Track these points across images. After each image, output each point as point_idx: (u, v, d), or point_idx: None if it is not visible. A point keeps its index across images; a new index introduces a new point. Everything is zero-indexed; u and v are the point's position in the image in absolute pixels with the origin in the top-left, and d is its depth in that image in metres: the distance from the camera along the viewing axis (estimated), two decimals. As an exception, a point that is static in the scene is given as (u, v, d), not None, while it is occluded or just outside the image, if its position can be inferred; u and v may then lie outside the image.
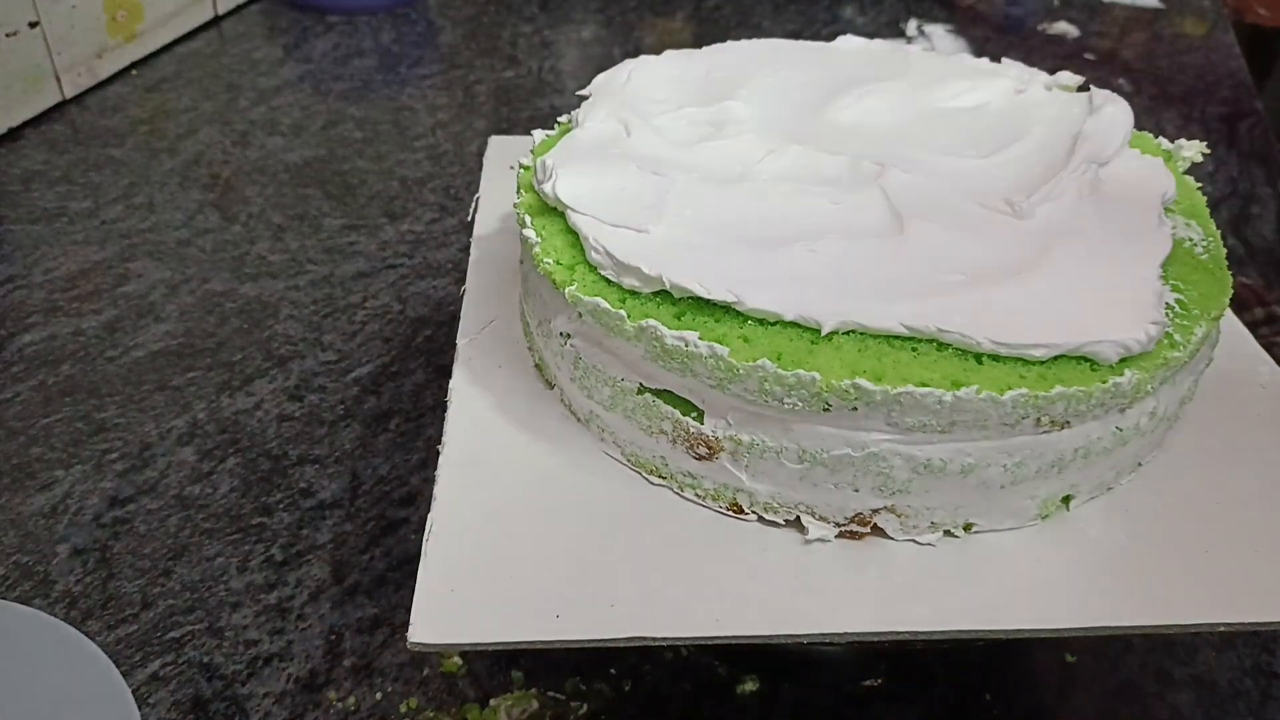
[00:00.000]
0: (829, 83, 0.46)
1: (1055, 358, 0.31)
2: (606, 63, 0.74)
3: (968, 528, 0.34)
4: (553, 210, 0.37)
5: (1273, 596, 0.32)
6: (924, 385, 0.30)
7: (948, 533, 0.34)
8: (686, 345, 0.31)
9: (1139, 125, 0.44)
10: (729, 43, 0.50)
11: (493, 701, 0.42)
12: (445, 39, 1.01)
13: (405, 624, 0.30)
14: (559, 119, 0.44)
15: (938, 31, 1.05)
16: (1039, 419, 0.31)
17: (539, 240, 0.36)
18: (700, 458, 0.34)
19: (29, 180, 0.74)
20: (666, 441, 0.34)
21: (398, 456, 0.53)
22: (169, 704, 0.41)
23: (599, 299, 0.33)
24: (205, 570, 0.46)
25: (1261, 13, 1.23)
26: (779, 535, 0.34)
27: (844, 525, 0.34)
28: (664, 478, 0.35)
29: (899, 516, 0.33)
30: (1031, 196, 0.37)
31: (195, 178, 0.76)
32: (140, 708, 0.40)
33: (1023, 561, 0.33)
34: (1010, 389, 0.30)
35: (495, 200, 0.49)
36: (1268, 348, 0.42)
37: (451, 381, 0.39)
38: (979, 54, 0.51)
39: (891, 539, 0.34)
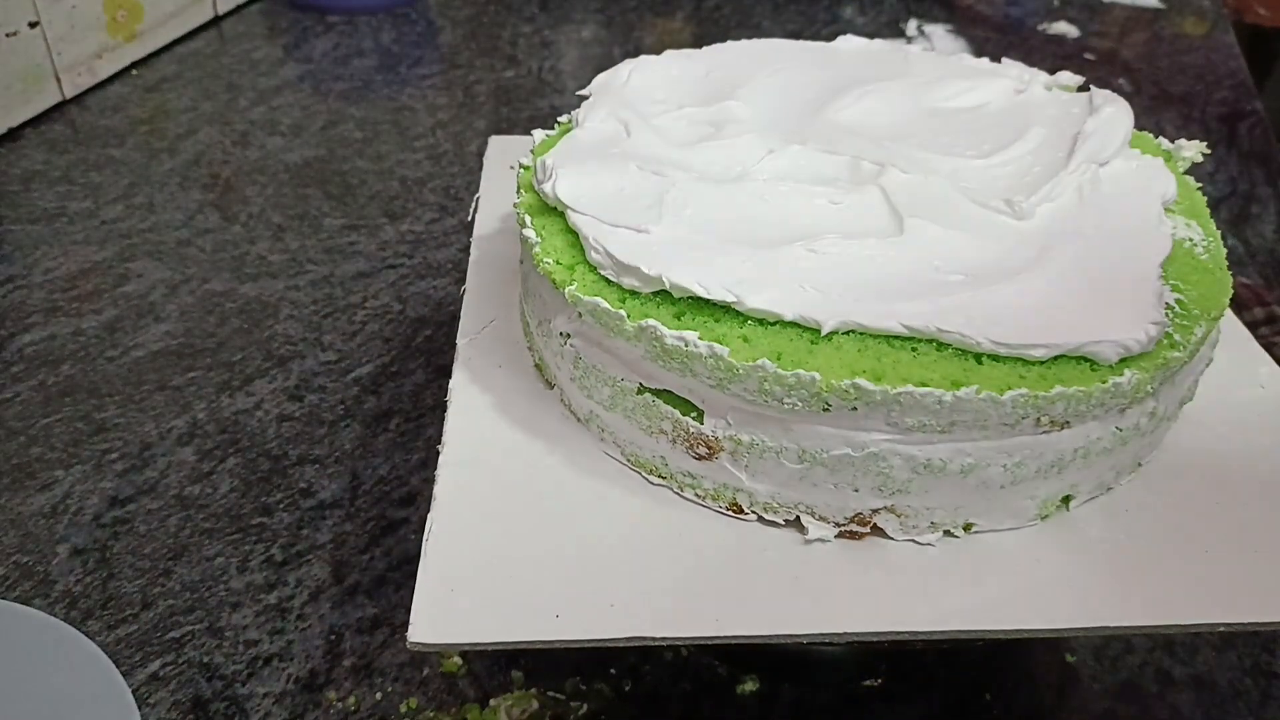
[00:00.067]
0: (829, 83, 0.46)
1: (1055, 358, 0.31)
2: (606, 63, 0.74)
3: (967, 528, 0.34)
4: (553, 210, 0.37)
5: (1273, 596, 0.32)
6: (924, 385, 0.30)
7: (947, 533, 0.34)
8: (686, 345, 0.31)
9: (1139, 125, 0.44)
10: (729, 43, 0.50)
11: (493, 701, 0.42)
12: (445, 39, 1.01)
13: (405, 624, 0.30)
14: (559, 119, 0.44)
15: (938, 31, 1.05)
16: (1039, 419, 0.31)
17: (539, 240, 0.36)
18: (700, 458, 0.34)
19: (29, 180, 0.74)
20: (666, 441, 0.34)
21: (398, 456, 0.53)
22: (169, 704, 0.41)
23: (599, 299, 0.33)
24: (205, 570, 0.46)
25: (1261, 13, 1.23)
26: (779, 535, 0.34)
27: (844, 525, 0.34)
28: (664, 478, 0.35)
29: (899, 516, 0.33)
30: (1031, 196, 0.37)
31: (195, 178, 0.76)
32: (140, 708, 0.40)
33: (1023, 561, 0.33)
34: (1010, 389, 0.30)
35: (495, 200, 0.49)
36: (1268, 348, 0.42)
37: (451, 381, 0.39)
38: (979, 54, 0.51)
39: (891, 539, 0.34)
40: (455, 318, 0.43)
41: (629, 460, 0.36)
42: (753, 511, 0.34)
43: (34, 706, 0.38)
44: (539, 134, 0.43)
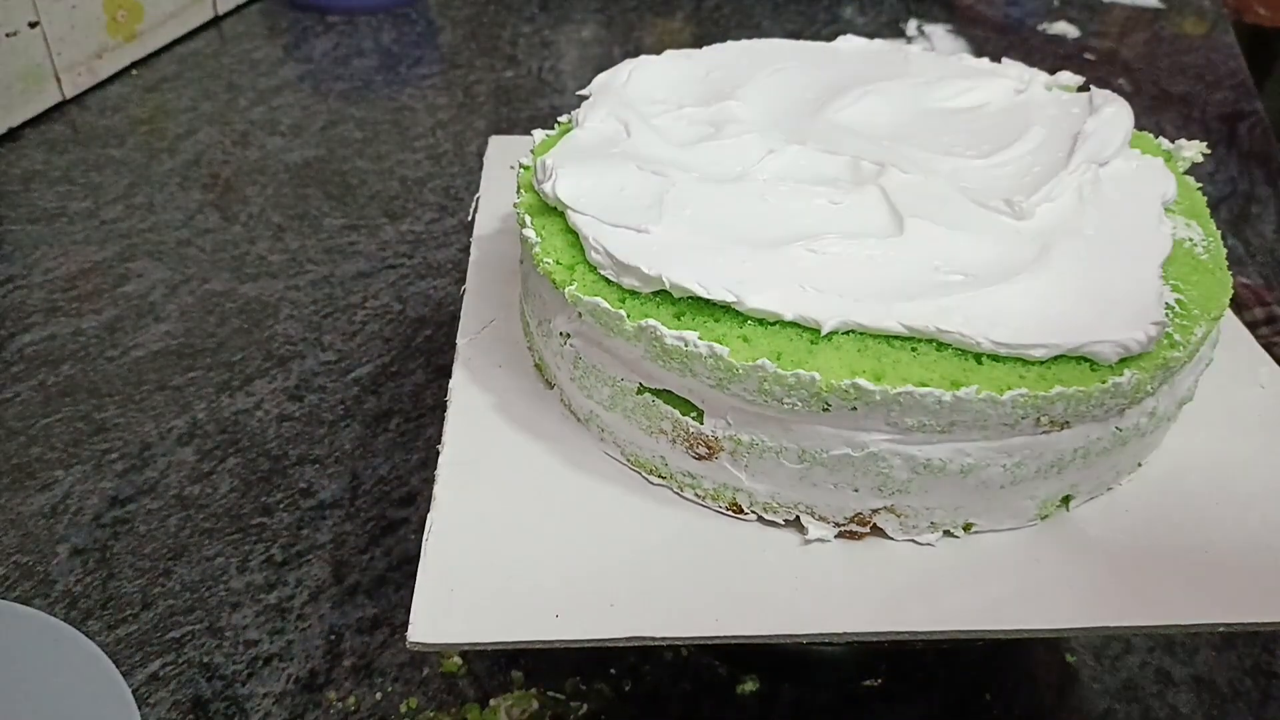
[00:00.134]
0: (829, 83, 0.46)
1: (1055, 358, 0.31)
2: (606, 63, 0.74)
3: (967, 528, 0.34)
4: (553, 210, 0.37)
5: (1273, 596, 0.32)
6: (923, 385, 0.30)
7: (947, 533, 0.34)
8: (686, 345, 0.31)
9: (1139, 125, 0.44)
10: (729, 43, 0.50)
11: (493, 701, 0.42)
12: (445, 39, 1.01)
13: (405, 624, 0.30)
14: (559, 119, 0.44)
15: (938, 31, 1.05)
16: (1038, 419, 0.31)
17: (539, 240, 0.36)
18: (700, 457, 0.34)
19: (29, 180, 0.74)
20: (666, 441, 0.34)
21: (398, 456, 0.53)
22: (169, 704, 0.41)
23: (599, 299, 0.33)
24: (205, 570, 0.46)
25: (1261, 13, 1.23)
26: (778, 535, 0.34)
27: (843, 525, 0.34)
28: (664, 478, 0.35)
29: (898, 516, 0.33)
30: (1031, 196, 0.37)
31: (195, 178, 0.76)
32: (140, 708, 0.40)
33: (1023, 561, 0.33)
34: (1010, 389, 0.30)
35: (495, 200, 0.49)
36: (1268, 348, 0.42)
37: (451, 381, 0.39)
38: (979, 54, 0.51)
39: (891, 539, 0.34)
40: (455, 318, 0.43)
41: (629, 460, 0.36)
42: (753, 511, 0.34)
43: (34, 706, 0.38)
44: (539, 134, 0.43)
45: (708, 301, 0.32)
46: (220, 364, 0.58)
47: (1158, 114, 0.90)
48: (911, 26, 1.06)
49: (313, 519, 0.49)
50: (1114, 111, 0.43)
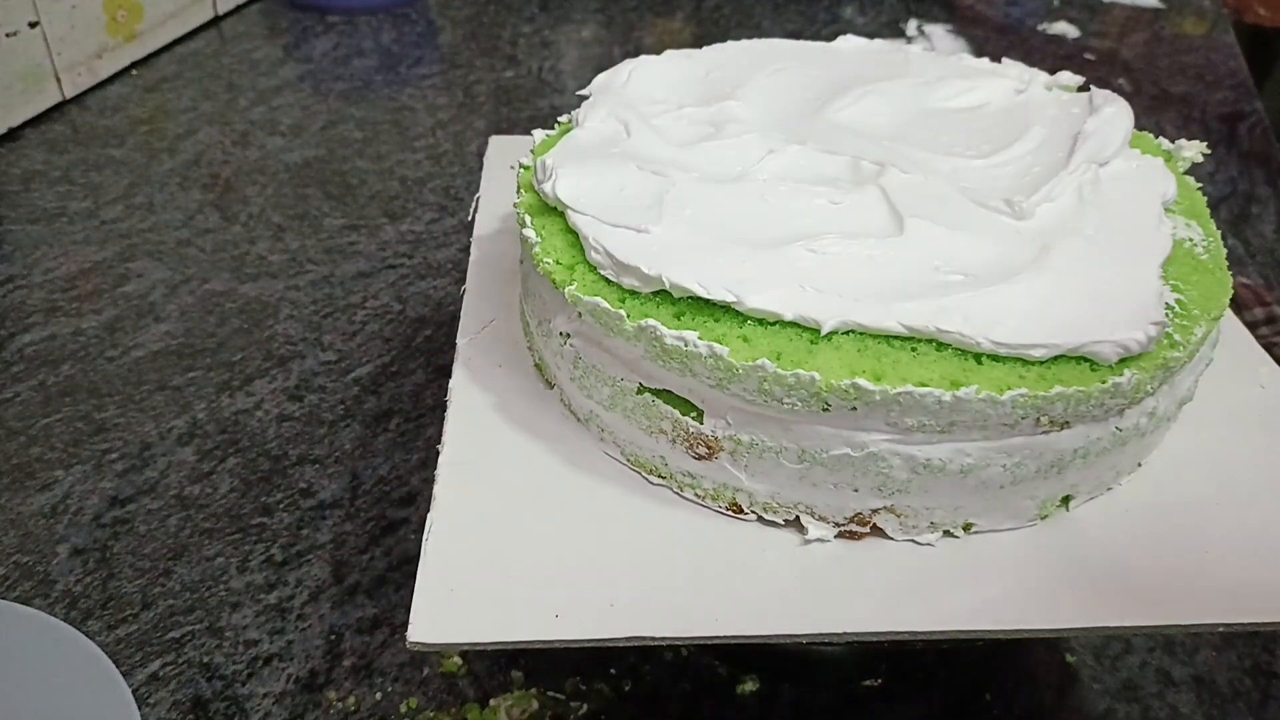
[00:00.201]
0: (829, 83, 0.46)
1: (1055, 358, 0.31)
2: (606, 63, 0.74)
3: (967, 528, 0.34)
4: (553, 210, 0.37)
5: (1273, 596, 0.32)
6: (923, 385, 0.30)
7: (947, 533, 0.34)
8: (686, 345, 0.31)
9: (1139, 125, 0.44)
10: (729, 43, 0.50)
11: (493, 701, 0.42)
12: (445, 39, 1.01)
13: (405, 624, 0.30)
14: (559, 119, 0.44)
15: (938, 31, 1.05)
16: (1038, 419, 0.31)
17: (539, 240, 0.36)
18: (700, 457, 0.34)
19: (29, 180, 0.74)
20: (666, 441, 0.34)
21: (398, 456, 0.53)
22: (169, 704, 0.41)
23: (598, 299, 0.33)
24: (205, 570, 0.46)
25: (1261, 13, 1.23)
26: (778, 535, 0.34)
27: (843, 525, 0.34)
28: (663, 478, 0.35)
29: (898, 516, 0.33)
30: (1031, 196, 0.37)
31: (195, 178, 0.76)
32: (140, 708, 0.40)
33: (1023, 561, 0.33)
34: (1009, 389, 0.30)
35: (495, 200, 0.49)
36: (1268, 348, 0.42)
37: (451, 381, 0.39)
38: (979, 54, 0.51)
39: (891, 539, 0.34)
40: (455, 318, 0.43)
41: (629, 460, 0.36)
42: (752, 511, 0.34)
43: (34, 706, 0.38)
44: (539, 134, 0.43)
45: (708, 301, 0.32)
46: (220, 364, 0.58)
47: (1158, 114, 0.90)
48: (911, 26, 1.06)
49: (313, 519, 0.49)
50: (1114, 111, 0.43)
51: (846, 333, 0.32)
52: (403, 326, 0.62)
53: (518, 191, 0.40)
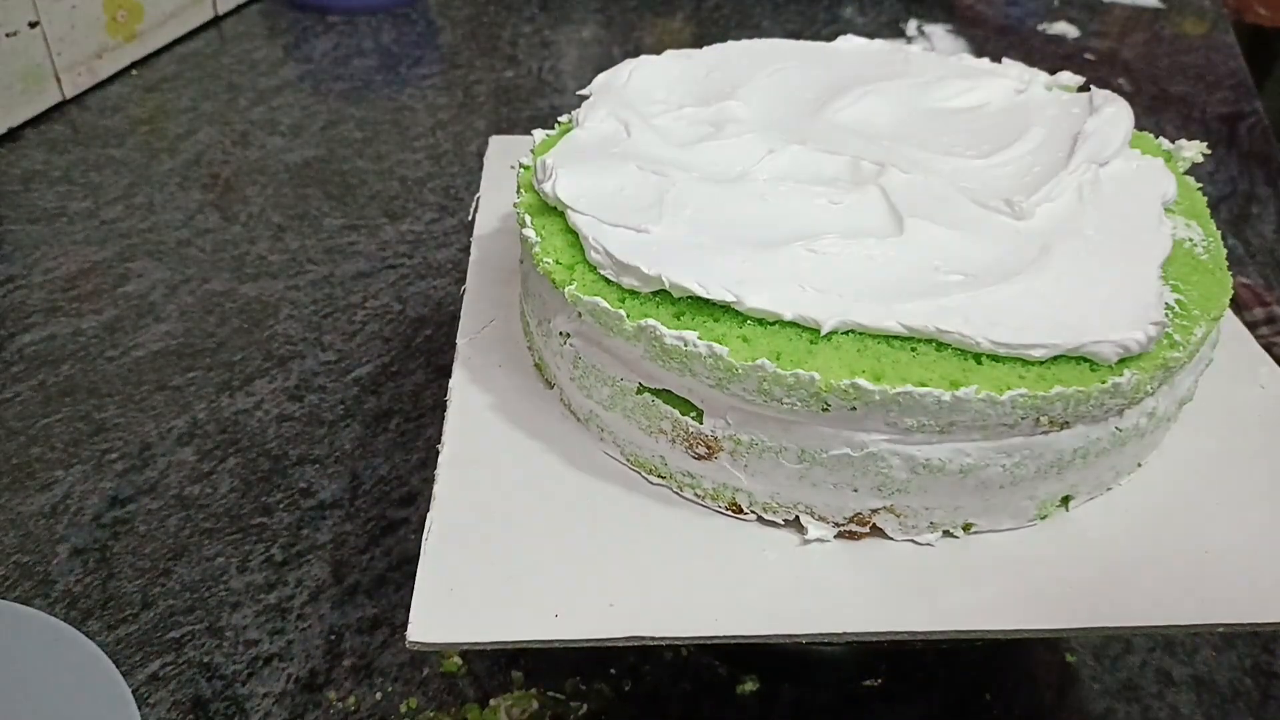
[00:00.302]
0: (829, 83, 0.46)
1: (1054, 358, 0.31)
2: (606, 63, 0.74)
3: (967, 528, 0.34)
4: (553, 210, 0.37)
5: (1273, 596, 0.32)
6: (923, 385, 0.30)
7: (947, 533, 0.34)
8: (685, 345, 0.31)
9: (1139, 125, 0.44)
10: (729, 43, 0.50)
11: (493, 701, 0.42)
12: (445, 39, 1.01)
13: (405, 624, 0.30)
14: (559, 119, 0.44)
15: (938, 31, 1.05)
16: (1038, 419, 0.31)
17: (539, 240, 0.36)
18: (699, 457, 0.34)
19: (29, 180, 0.74)
20: (666, 441, 0.34)
21: (398, 456, 0.53)
22: (169, 704, 0.41)
23: (598, 298, 0.33)
24: (205, 570, 0.46)
25: (1261, 13, 1.23)
26: (778, 535, 0.34)
27: (843, 525, 0.34)
28: (663, 477, 0.35)
29: (898, 516, 0.33)
30: (1031, 196, 0.37)
31: (195, 178, 0.76)
32: (140, 708, 0.40)
33: (1022, 561, 0.33)
34: (1009, 389, 0.30)
35: (495, 200, 0.49)
36: (1268, 348, 0.42)
37: (451, 381, 0.39)
38: (979, 54, 0.51)
39: (890, 539, 0.34)
40: (455, 318, 0.43)
41: (628, 460, 0.36)
42: (752, 511, 0.34)
43: (34, 706, 0.38)
44: (539, 134, 0.43)
45: (707, 301, 0.32)
46: (220, 364, 0.58)
47: (1158, 114, 0.90)
48: (911, 26, 1.06)
49: (313, 519, 0.49)
50: (1114, 111, 0.43)
51: (846, 333, 0.32)
52: (403, 326, 0.62)
53: (518, 191, 0.40)
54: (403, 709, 0.41)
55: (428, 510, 0.34)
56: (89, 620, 0.44)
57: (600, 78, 0.45)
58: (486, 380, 0.39)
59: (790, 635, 0.31)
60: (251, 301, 0.63)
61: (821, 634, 0.31)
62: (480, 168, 0.52)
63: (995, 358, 0.31)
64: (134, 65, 0.90)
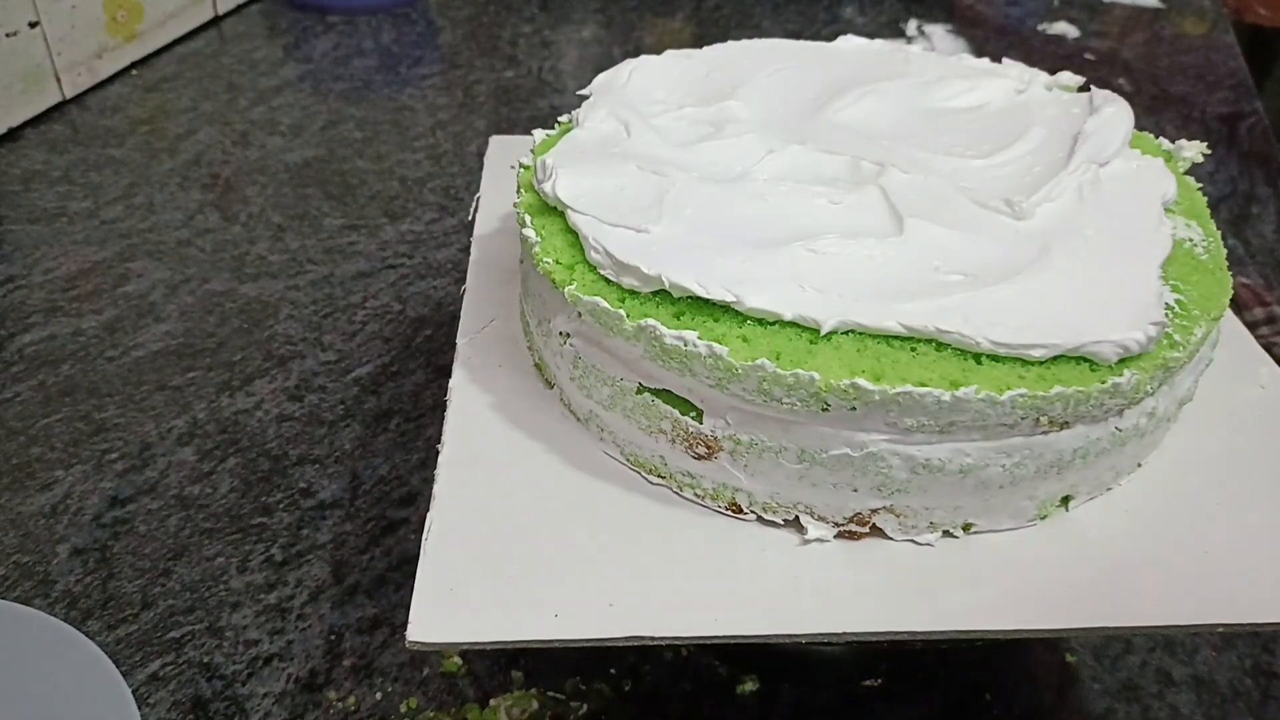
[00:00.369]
0: (829, 83, 0.46)
1: (1054, 358, 0.31)
2: (606, 63, 0.74)
3: (966, 528, 0.34)
4: (553, 210, 0.37)
5: (1273, 596, 0.32)
6: (923, 385, 0.30)
7: (946, 533, 0.34)
8: (685, 345, 0.31)
9: (1139, 125, 0.44)
10: (729, 43, 0.50)
11: (493, 701, 0.42)
12: (445, 39, 1.01)
13: (405, 624, 0.30)
14: (559, 119, 0.44)
15: (938, 31, 1.05)
16: (1038, 419, 0.31)
17: (539, 240, 0.36)
18: (699, 457, 0.34)
19: (29, 180, 0.74)
20: (665, 441, 0.34)
21: (398, 456, 0.53)
22: (169, 704, 0.41)
23: (598, 298, 0.33)
24: (205, 570, 0.46)
25: (1261, 13, 1.23)
26: (778, 535, 0.34)
27: (842, 525, 0.34)
28: (663, 477, 0.35)
29: (897, 516, 0.33)
30: (1031, 196, 0.37)
31: (195, 178, 0.76)
32: (140, 708, 0.40)
33: (1022, 561, 0.33)
34: (1009, 389, 0.30)
35: (495, 200, 0.49)
36: (1268, 348, 0.42)
37: (451, 381, 0.39)
38: (979, 54, 0.51)
39: (890, 539, 0.34)
40: (455, 318, 0.43)
41: (628, 460, 0.36)
42: (752, 511, 0.34)
43: (34, 706, 0.38)
44: (539, 134, 0.43)
45: (707, 301, 0.32)
46: (220, 364, 0.58)
47: (1158, 114, 0.90)
48: (911, 26, 1.06)
49: (313, 519, 0.49)
50: (1114, 111, 0.43)
51: (846, 333, 0.32)
52: (403, 326, 0.62)
53: (518, 191, 0.40)
54: (403, 709, 0.41)
55: (428, 510, 0.34)
56: (89, 620, 0.44)
57: (600, 78, 0.45)
58: (486, 380, 0.39)
59: (790, 635, 0.31)
60: (251, 301, 0.63)
61: (821, 634, 0.31)
62: (480, 168, 0.52)
63: (995, 358, 0.31)
64: (134, 65, 0.90)
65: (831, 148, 0.40)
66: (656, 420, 0.34)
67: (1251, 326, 0.53)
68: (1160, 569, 0.33)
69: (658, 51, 0.48)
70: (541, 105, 0.88)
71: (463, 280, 0.44)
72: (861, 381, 0.30)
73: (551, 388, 0.39)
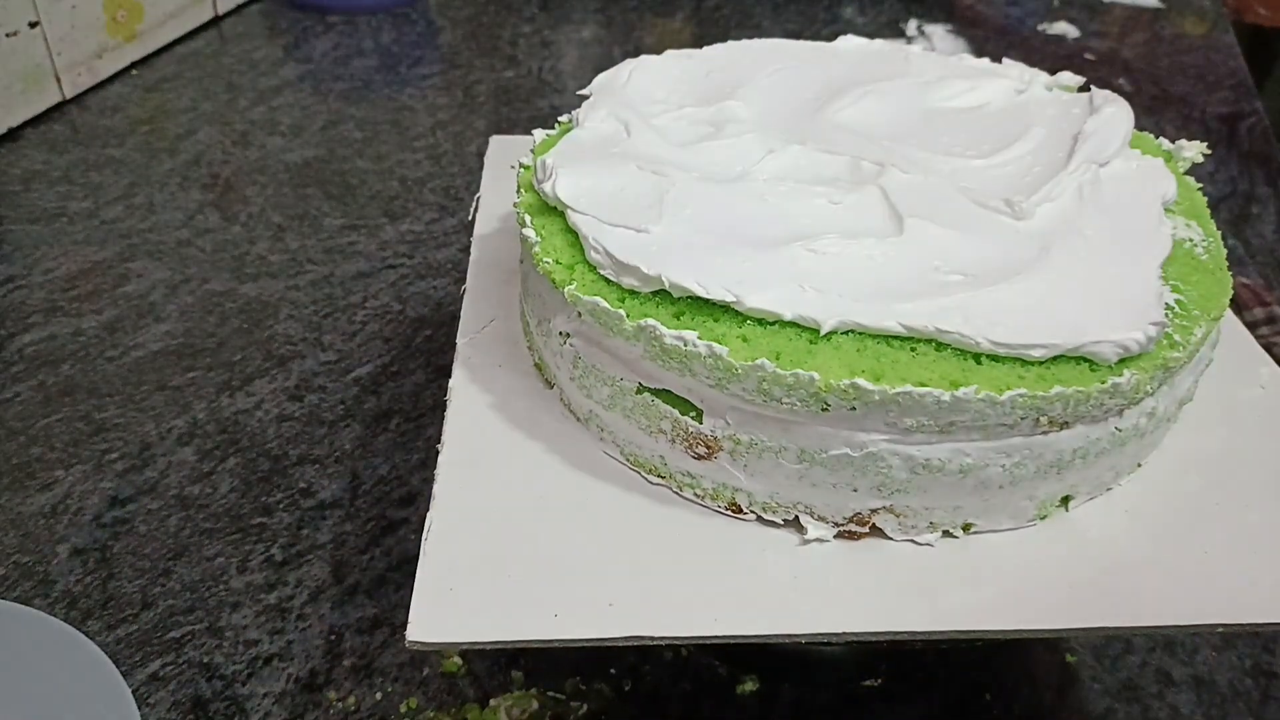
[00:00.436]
0: (829, 83, 0.46)
1: (1054, 358, 0.31)
2: (606, 63, 0.74)
3: (966, 528, 0.34)
4: (553, 210, 0.37)
5: (1273, 596, 0.32)
6: (922, 385, 0.30)
7: (946, 533, 0.34)
8: (685, 345, 0.31)
9: (1139, 125, 0.44)
10: (729, 43, 0.50)
11: (493, 701, 0.42)
12: (445, 39, 1.01)
13: (405, 624, 0.30)
14: (559, 119, 0.44)
15: (938, 31, 1.05)
16: (1038, 419, 0.31)
17: (539, 240, 0.36)
18: (699, 457, 0.34)
19: (29, 180, 0.74)
20: (665, 441, 0.34)
21: (398, 456, 0.53)
22: (169, 704, 0.41)
23: (598, 298, 0.33)
24: (205, 570, 0.46)
25: (1261, 13, 1.23)
26: (777, 535, 0.34)
27: (842, 525, 0.34)
28: (663, 477, 0.35)
29: (897, 516, 0.33)
30: (1031, 196, 0.37)
31: (195, 178, 0.76)
32: (140, 708, 0.40)
33: (1022, 561, 0.33)
34: (1009, 389, 0.30)
35: (495, 200, 0.49)
36: (1268, 348, 0.42)
37: (451, 381, 0.39)
38: (979, 54, 0.51)
39: (890, 539, 0.34)
40: (455, 318, 0.43)
41: (628, 460, 0.36)
42: (751, 511, 0.34)
43: (34, 706, 0.38)
44: (539, 134, 0.43)
45: (707, 301, 0.32)
46: (220, 364, 0.58)
47: (1158, 114, 0.90)
48: (911, 26, 1.06)
49: (313, 519, 0.49)
50: (1114, 111, 0.43)
51: (846, 333, 0.32)
52: (403, 326, 0.62)
53: (518, 191, 0.40)
54: (403, 709, 0.41)
55: (428, 510, 0.34)
56: (89, 620, 0.44)
57: (600, 78, 0.45)
58: (486, 380, 0.39)
59: (790, 635, 0.31)
60: (251, 301, 0.63)
61: (821, 634, 0.31)
62: (480, 168, 0.52)
63: (995, 358, 0.31)
64: (134, 65, 0.90)
65: (831, 148, 0.40)
66: (656, 420, 0.34)
67: (1251, 326, 0.53)
68: (1160, 569, 0.33)
69: (658, 51, 0.48)
70: (541, 105, 0.88)
71: (463, 280, 0.44)
72: (861, 381, 0.30)
73: (551, 388, 0.39)
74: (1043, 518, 0.34)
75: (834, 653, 0.44)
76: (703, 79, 0.46)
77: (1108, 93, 0.45)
